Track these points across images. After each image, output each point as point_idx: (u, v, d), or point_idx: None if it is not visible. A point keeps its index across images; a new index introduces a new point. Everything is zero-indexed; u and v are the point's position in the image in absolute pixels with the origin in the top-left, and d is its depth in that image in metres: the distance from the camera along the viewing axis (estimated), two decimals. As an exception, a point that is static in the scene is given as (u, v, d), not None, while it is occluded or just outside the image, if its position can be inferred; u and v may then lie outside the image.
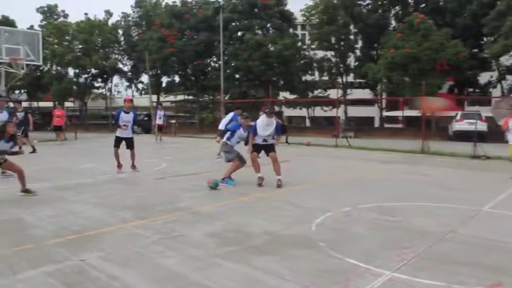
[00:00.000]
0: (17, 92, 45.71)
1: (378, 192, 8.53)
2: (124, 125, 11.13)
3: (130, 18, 44.92)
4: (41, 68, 40.36)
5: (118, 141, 11.30)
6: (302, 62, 39.08)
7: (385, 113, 44.88)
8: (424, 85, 19.05)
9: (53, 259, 4.77)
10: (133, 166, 11.35)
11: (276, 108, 28.75)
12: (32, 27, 40.72)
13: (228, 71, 35.20)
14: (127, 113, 11.21)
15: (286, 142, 19.85)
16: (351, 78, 44.25)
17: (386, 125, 43.26)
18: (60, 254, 4.93)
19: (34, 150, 15.69)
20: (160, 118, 22.94)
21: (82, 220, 6.42)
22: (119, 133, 11.30)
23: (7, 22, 40.31)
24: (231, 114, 12.98)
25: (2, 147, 7.90)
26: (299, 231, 5.79)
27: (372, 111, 49.69)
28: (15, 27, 35.85)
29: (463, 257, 4.81)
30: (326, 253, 4.90)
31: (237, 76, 36.99)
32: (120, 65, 44.27)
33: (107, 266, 4.55)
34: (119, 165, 11.27)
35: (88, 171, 11.43)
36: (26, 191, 8.18)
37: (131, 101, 11.62)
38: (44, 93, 43.70)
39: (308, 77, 40.82)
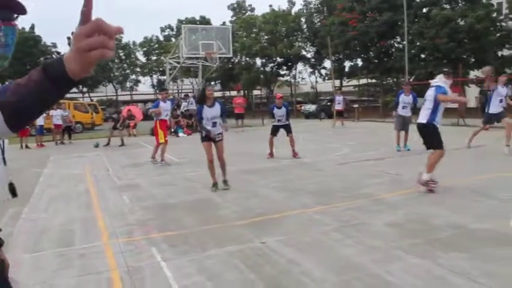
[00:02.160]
0: (212, 83, 50.12)
1: None
2: (278, 120, 11.64)
3: (312, 6, 45.52)
4: (232, 60, 43.46)
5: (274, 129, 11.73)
6: (498, 34, 35.03)
7: None
8: None
9: (236, 240, 5.04)
10: (294, 152, 11.38)
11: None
12: (224, 23, 44.04)
13: (412, 51, 33.35)
14: (279, 108, 11.63)
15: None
16: None
17: None
18: (244, 235, 5.18)
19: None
20: (339, 103, 22.64)
21: (265, 203, 6.69)
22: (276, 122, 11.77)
23: (203, 21, 44.46)
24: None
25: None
26: (493, 226, 5.12)
27: None
28: (211, 25, 39.24)
29: None
30: (529, 255, 4.24)
31: (423, 56, 34.85)
32: (304, 52, 45.26)
33: (287, 250, 4.63)
34: (271, 154, 11.54)
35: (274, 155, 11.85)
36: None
37: (282, 98, 12.13)
38: (235, 83, 47.01)
39: (505, 52, 36.47)
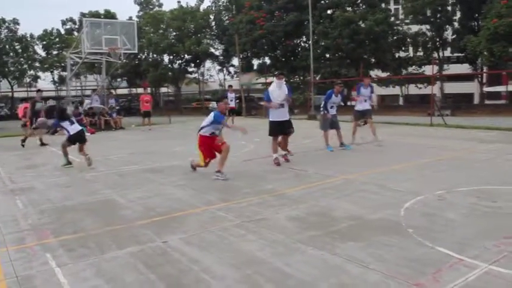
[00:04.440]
0: (118, 80, 48.55)
1: (477, 175, 7.83)
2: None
3: (220, 3, 45.63)
4: (138, 57, 42.38)
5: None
6: (395, 37, 37.35)
7: (485, 89, 41.86)
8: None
9: (138, 240, 4.92)
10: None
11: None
12: (130, 18, 42.79)
13: (318, 50, 34.57)
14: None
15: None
16: (447, 52, 41.65)
17: (487, 102, 40.35)
18: (145, 235, 5.07)
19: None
20: (231, 101, 22.16)
21: (168, 202, 6.59)
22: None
23: (108, 15, 42.80)
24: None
25: None
26: (387, 216, 5.47)
27: (471, 87, 46.48)
28: (116, 19, 37.89)
29: None
30: (415, 240, 4.56)
31: (327, 55, 36.25)
32: (212, 50, 45.23)
33: (188, 249, 4.59)
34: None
35: (178, 154, 11.73)
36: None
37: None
38: (141, 80, 45.86)
39: (401, 54, 38.98)
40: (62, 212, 6.34)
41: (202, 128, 8.36)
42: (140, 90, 43.40)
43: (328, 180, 7.66)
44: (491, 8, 28.16)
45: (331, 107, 11.59)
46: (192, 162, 9.08)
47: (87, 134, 19.82)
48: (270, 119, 9.89)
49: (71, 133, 9.99)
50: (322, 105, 11.72)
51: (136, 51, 26.25)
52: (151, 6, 48.43)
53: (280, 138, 9.94)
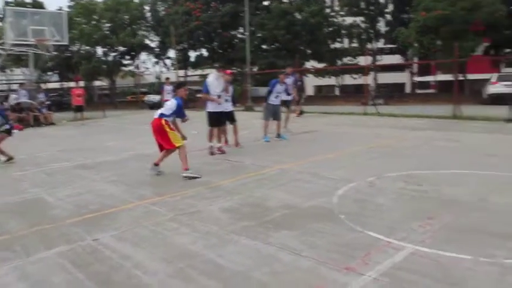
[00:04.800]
0: (49, 73, 46.44)
1: (406, 161, 8.15)
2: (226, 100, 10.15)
3: (156, -6, 44.67)
4: (70, 49, 40.75)
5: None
6: (330, 29, 38.14)
7: (416, 79, 43.72)
8: (456, 48, 18.16)
9: (67, 239, 4.73)
10: (237, 143, 10.58)
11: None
12: (60, 8, 40.97)
13: (255, 42, 34.70)
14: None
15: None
16: (381, 44, 43.09)
17: (418, 91, 42.16)
18: (76, 234, 4.88)
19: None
20: (168, 93, 21.69)
21: (100, 198, 6.38)
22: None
23: (36, 5, 40.71)
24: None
25: None
26: (320, 203, 5.57)
27: (403, 77, 48.48)
28: (44, 9, 36.13)
29: (493, 227, 4.50)
30: (346, 226, 4.67)
31: (264, 47, 36.46)
32: (148, 42, 44.26)
33: (120, 245, 4.47)
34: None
35: (111, 149, 11.41)
36: None
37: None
38: (74, 74, 44.15)
39: (337, 45, 39.89)
40: (-16, 213, 5.99)
41: (162, 114, 7.70)
42: (73, 84, 41.80)
43: (263, 171, 7.70)
44: (420, 2, 29.32)
45: (276, 97, 11.56)
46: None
47: (15, 131, 18.95)
48: (208, 110, 9.92)
49: None
50: (266, 95, 11.63)
51: (66, 43, 25.24)
52: (83, -4, 46.51)
53: (220, 129, 10.09)
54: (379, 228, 4.54)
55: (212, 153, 9.67)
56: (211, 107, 9.87)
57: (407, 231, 4.41)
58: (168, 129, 7.55)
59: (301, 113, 18.24)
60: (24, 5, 39.31)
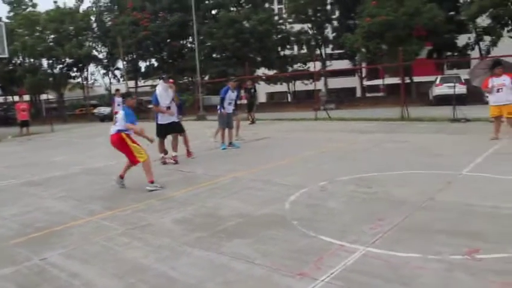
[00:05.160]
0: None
1: (357, 164, 8.32)
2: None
3: (101, 4, 43.91)
4: (13, 62, 39.36)
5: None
6: (279, 36, 38.62)
7: (366, 83, 44.81)
8: (400, 52, 18.77)
9: (12, 260, 4.52)
10: (188, 152, 10.45)
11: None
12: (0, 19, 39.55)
13: (204, 51, 34.65)
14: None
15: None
16: (329, 50, 43.98)
17: (368, 95, 43.23)
18: (21, 255, 4.67)
19: None
20: (119, 105, 21.28)
21: (48, 216, 6.15)
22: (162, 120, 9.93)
23: (-27, 16, 39.15)
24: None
25: None
26: (272, 210, 5.58)
27: (353, 82, 49.59)
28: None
29: (440, 225, 4.64)
30: (299, 232, 4.70)
31: (214, 55, 36.46)
32: (95, 53, 43.43)
33: (69, 264, 4.32)
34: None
35: (60, 164, 11.03)
36: None
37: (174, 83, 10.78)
38: (18, 87, 42.65)
39: (286, 52, 40.41)
40: None
41: (119, 130, 7.36)
42: (17, 98, 40.38)
43: (216, 180, 7.65)
44: (365, 8, 30.19)
45: (229, 104, 11.55)
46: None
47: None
48: (159, 122, 9.85)
49: None
50: (219, 102, 11.65)
51: (6, 55, 24.29)
52: (23, 7, 44.84)
53: (171, 138, 10.01)
54: (331, 232, 4.59)
55: (164, 163, 9.62)
56: (161, 119, 9.81)
57: (358, 234, 4.48)
58: (129, 143, 7.33)
59: (253, 121, 18.33)
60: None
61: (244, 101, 18.39)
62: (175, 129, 10.04)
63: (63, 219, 5.89)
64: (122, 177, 7.65)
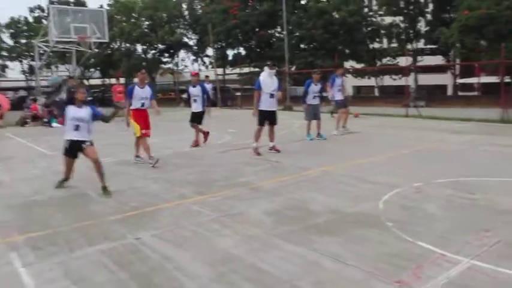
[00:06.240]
0: (91, 70, 47.51)
1: (454, 166, 7.80)
2: (194, 100, 10.88)
3: (193, -8, 45.07)
4: (111, 46, 41.55)
5: (192, 117, 11.01)
6: (369, 29, 37.52)
7: (459, 80, 42.50)
8: (503, 48, 17.49)
9: (109, 237, 4.70)
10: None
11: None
12: (101, 6, 41.78)
13: (292, 41, 34.46)
14: (194, 87, 10.96)
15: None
16: (421, 44, 42.08)
17: (460, 93, 41.01)
18: (117, 232, 4.85)
19: None
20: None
21: (141, 196, 6.36)
22: (193, 108, 10.98)
23: (78, 3, 41.75)
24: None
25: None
26: (365, 209, 5.37)
27: (444, 79, 47.14)
28: (86, 7, 36.94)
29: (555, 241, 4.20)
30: (394, 235, 4.46)
31: (302, 46, 36.18)
32: (186, 40, 44.71)
33: (161, 246, 4.41)
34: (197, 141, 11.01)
35: (152, 146, 11.34)
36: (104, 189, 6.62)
37: (197, 74, 11.47)
38: (115, 70, 44.96)
39: (375, 45, 39.20)
40: (30, 208, 6.06)
41: None
42: (114, 80, 42.65)
43: (304, 173, 7.54)
44: (463, 0, 28.44)
45: (314, 97, 11.49)
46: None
47: (58, 125, 19.36)
48: (260, 108, 9.70)
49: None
50: (303, 96, 11.67)
51: (107, 40, 25.67)
52: (122, -5, 47.32)
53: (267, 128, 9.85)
54: (430, 238, 4.30)
55: (258, 154, 9.45)
56: (264, 105, 9.62)
57: (461, 244, 4.16)
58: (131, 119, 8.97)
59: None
60: (68, 3, 40.32)
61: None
62: (274, 118, 9.85)
63: (155, 201, 6.06)
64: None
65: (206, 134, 11.11)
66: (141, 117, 9.04)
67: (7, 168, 9.22)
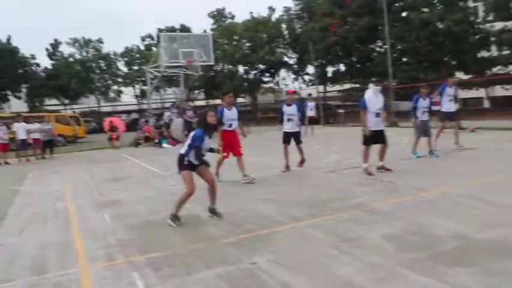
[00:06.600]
0: (196, 91, 49.71)
1: None
2: (289, 119, 10.55)
3: (292, 12, 45.57)
4: (214, 68, 43.17)
5: (286, 137, 10.63)
6: (476, 37, 35.30)
7: None
8: None
9: (225, 260, 4.70)
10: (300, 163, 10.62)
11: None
12: (205, 31, 43.71)
13: (394, 54, 33.40)
14: (289, 105, 10.62)
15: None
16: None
17: None
18: (233, 255, 4.84)
19: None
20: (311, 110, 20.97)
21: (253, 218, 6.34)
22: (287, 128, 10.61)
23: (184, 30, 44.16)
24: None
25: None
26: (497, 236, 4.84)
27: None
28: (191, 33, 38.91)
29: None
30: (540, 268, 3.95)
31: (405, 59, 34.95)
32: (286, 59, 45.22)
33: (278, 271, 4.31)
34: (287, 166, 10.47)
35: (258, 165, 11.32)
36: (213, 211, 6.62)
37: (294, 93, 11.36)
38: (218, 92, 46.57)
39: (484, 53, 36.73)
40: (147, 227, 6.30)
41: None
42: (218, 101, 44.18)
43: (421, 194, 7.05)
44: None
45: (423, 113, 10.97)
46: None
47: (168, 146, 20.38)
48: (369, 127, 9.30)
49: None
50: (412, 111, 11.19)
51: (212, 63, 26.67)
52: (224, 19, 49.24)
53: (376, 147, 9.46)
54: None
55: (370, 174, 9.05)
56: (369, 125, 9.20)
57: None
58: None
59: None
60: (174, 30, 42.76)
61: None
62: (381, 138, 9.40)
63: (268, 223, 6.00)
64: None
65: (302, 160, 10.69)
66: (229, 139, 9.33)
67: (125, 188, 9.76)
